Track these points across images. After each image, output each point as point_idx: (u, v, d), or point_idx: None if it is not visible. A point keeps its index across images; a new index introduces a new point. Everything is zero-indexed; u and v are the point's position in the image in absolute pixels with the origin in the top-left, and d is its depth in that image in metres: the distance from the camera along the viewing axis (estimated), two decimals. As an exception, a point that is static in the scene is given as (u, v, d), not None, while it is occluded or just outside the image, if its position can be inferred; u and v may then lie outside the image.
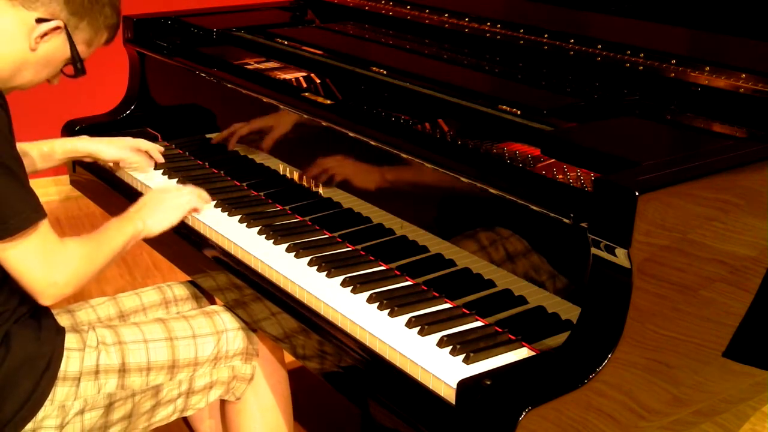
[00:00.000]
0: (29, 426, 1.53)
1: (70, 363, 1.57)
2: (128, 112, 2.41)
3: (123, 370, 1.62)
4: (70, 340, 1.59)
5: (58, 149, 1.99)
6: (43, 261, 1.48)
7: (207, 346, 1.70)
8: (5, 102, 1.47)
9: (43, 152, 1.95)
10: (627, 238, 1.19)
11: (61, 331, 1.60)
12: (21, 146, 1.87)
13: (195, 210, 1.86)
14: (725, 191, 1.32)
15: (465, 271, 1.54)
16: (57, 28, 1.54)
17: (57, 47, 1.56)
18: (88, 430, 1.60)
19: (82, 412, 1.58)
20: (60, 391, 1.55)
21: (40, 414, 1.54)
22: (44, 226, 1.49)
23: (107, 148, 2.04)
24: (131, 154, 2.07)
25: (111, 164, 2.13)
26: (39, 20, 1.52)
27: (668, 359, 1.32)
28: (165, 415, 1.70)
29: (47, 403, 1.54)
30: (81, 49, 1.60)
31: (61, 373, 1.56)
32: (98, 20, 1.60)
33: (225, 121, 2.14)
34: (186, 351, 1.68)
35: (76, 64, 1.60)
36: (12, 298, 1.53)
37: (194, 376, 1.70)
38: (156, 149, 2.12)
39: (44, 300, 1.51)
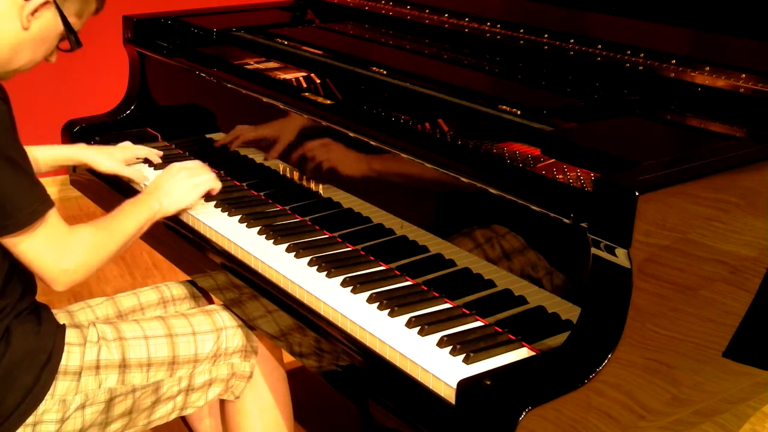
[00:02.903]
0: (30, 420, 1.54)
1: (70, 357, 1.57)
2: (128, 112, 2.41)
3: (123, 366, 1.62)
4: (71, 335, 1.60)
5: (54, 156, 1.99)
6: (53, 250, 1.50)
7: (206, 344, 1.71)
8: (6, 95, 1.48)
9: (37, 157, 1.95)
10: (627, 238, 1.19)
11: (61, 327, 1.61)
12: None
13: (211, 191, 1.87)
14: (725, 191, 1.32)
15: (465, 271, 1.54)
16: (46, 2, 1.53)
17: (49, 22, 1.55)
18: (89, 425, 1.61)
19: (82, 406, 1.58)
20: (61, 385, 1.56)
21: (41, 408, 1.54)
22: (53, 216, 1.50)
23: (103, 161, 2.03)
24: (126, 169, 2.06)
25: None
26: None
27: (668, 359, 1.32)
28: (165, 412, 1.71)
29: (48, 397, 1.55)
30: (72, 21, 1.59)
31: (61, 368, 1.56)
32: None
33: (225, 121, 2.14)
34: (186, 348, 1.69)
35: (70, 37, 1.60)
36: (11, 294, 1.54)
37: (194, 373, 1.70)
38: (154, 154, 2.12)
39: (56, 286, 1.53)
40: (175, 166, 1.85)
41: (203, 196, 1.87)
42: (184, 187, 1.80)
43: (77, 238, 1.54)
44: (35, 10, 1.52)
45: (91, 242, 1.56)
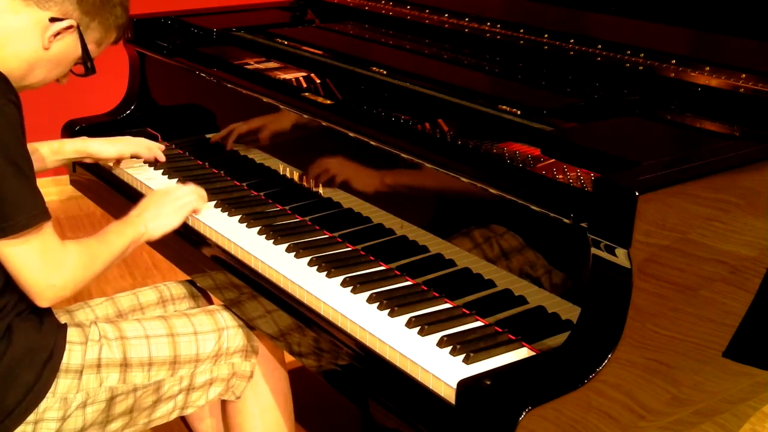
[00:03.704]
0: (31, 417, 1.54)
1: (72, 356, 1.58)
2: (128, 112, 2.41)
3: (125, 365, 1.62)
4: (72, 334, 1.60)
5: (57, 150, 1.99)
6: (43, 262, 1.49)
7: (208, 343, 1.71)
8: (19, 100, 1.49)
9: (44, 156, 1.95)
10: (627, 238, 1.19)
11: (62, 326, 1.61)
12: None
13: (195, 211, 1.86)
14: (725, 191, 1.32)
15: (465, 271, 1.54)
16: (70, 27, 1.56)
17: (69, 46, 1.59)
18: (90, 424, 1.61)
19: (83, 405, 1.59)
20: (62, 384, 1.56)
21: (42, 406, 1.54)
22: (48, 228, 1.50)
23: (105, 147, 2.04)
24: (130, 148, 2.07)
25: (111, 163, 2.13)
26: (53, 19, 1.54)
27: (668, 359, 1.32)
28: (166, 411, 1.71)
29: (49, 394, 1.55)
30: (91, 48, 1.63)
31: (63, 366, 1.56)
32: (109, 20, 1.63)
33: (225, 121, 2.14)
34: (187, 347, 1.69)
35: (86, 63, 1.63)
36: (13, 293, 1.54)
37: (195, 372, 1.70)
38: (157, 147, 2.13)
39: (41, 302, 1.52)
40: (160, 191, 1.85)
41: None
42: (169, 211, 1.79)
43: (68, 255, 1.53)
44: (58, 33, 1.55)
45: (80, 259, 1.55)
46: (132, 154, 2.08)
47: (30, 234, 1.46)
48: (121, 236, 1.67)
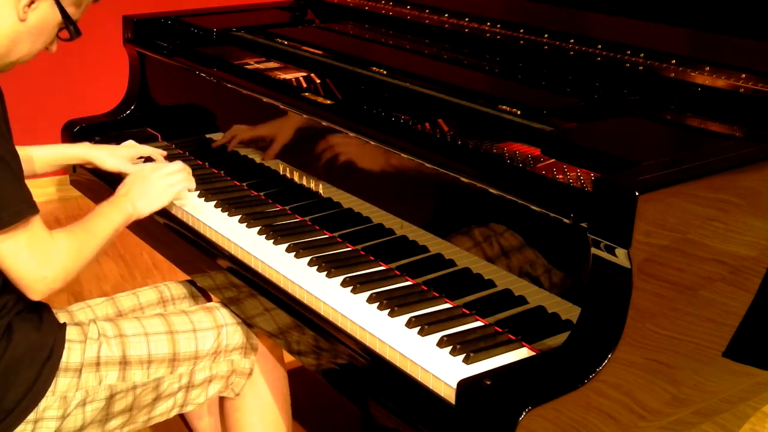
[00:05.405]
0: (31, 416, 1.54)
1: (71, 354, 1.58)
2: (128, 112, 2.41)
3: (124, 363, 1.62)
4: (72, 332, 1.60)
5: (59, 155, 1.99)
6: (32, 256, 1.49)
7: (207, 340, 1.71)
8: (2, 95, 1.47)
9: (42, 157, 1.95)
10: (627, 238, 1.19)
11: (62, 325, 1.61)
12: (20, 150, 1.88)
13: (188, 189, 1.86)
14: (725, 191, 1.32)
15: (465, 271, 1.54)
16: None
17: (47, 13, 1.54)
18: (89, 422, 1.61)
19: (83, 403, 1.59)
20: (62, 382, 1.56)
21: (42, 404, 1.54)
22: (36, 221, 1.49)
23: (108, 159, 2.02)
24: (130, 167, 2.06)
25: None
26: None
27: (668, 359, 1.32)
28: (165, 409, 1.71)
29: (49, 393, 1.55)
30: (71, 11, 1.57)
31: (62, 364, 1.56)
32: None
33: (225, 121, 2.14)
34: (186, 345, 1.69)
35: (69, 27, 1.58)
36: (12, 292, 1.54)
37: (194, 369, 1.70)
38: (158, 154, 2.12)
39: (33, 295, 1.52)
40: (147, 167, 1.84)
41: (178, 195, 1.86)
42: (157, 189, 1.78)
43: (57, 246, 1.53)
44: (31, 2, 1.51)
45: (70, 250, 1.55)
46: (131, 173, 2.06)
47: (18, 229, 1.46)
48: (108, 221, 1.66)
